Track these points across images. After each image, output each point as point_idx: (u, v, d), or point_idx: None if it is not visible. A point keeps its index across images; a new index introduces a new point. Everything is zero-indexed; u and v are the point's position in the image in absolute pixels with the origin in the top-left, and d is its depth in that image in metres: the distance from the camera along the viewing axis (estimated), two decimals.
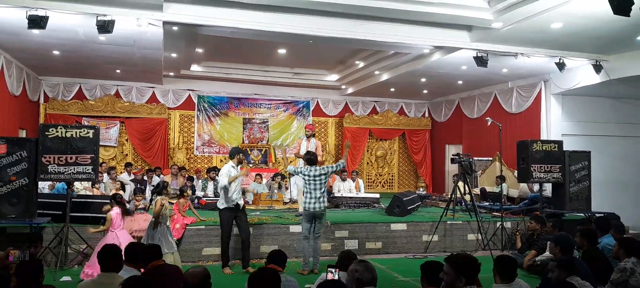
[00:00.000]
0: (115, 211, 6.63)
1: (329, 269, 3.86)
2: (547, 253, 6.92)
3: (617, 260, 5.05)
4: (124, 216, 6.73)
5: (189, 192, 8.73)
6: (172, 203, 6.88)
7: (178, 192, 8.38)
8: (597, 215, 9.28)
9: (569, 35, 8.36)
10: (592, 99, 11.59)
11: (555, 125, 11.37)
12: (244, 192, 10.48)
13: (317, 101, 15.47)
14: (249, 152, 14.24)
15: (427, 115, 16.53)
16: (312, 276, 6.60)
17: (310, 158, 7.08)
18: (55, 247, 7.03)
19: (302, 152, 8.95)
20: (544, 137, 11.21)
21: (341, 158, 7.35)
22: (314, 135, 9.51)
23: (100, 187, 9.44)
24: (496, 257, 3.97)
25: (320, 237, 7.16)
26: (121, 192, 9.18)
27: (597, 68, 9.60)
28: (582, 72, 10.29)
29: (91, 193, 8.87)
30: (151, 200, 6.44)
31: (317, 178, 6.92)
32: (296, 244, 8.14)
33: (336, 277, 3.76)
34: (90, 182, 8.74)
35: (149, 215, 7.48)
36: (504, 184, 10.48)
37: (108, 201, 7.14)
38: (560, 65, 9.55)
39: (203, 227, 7.85)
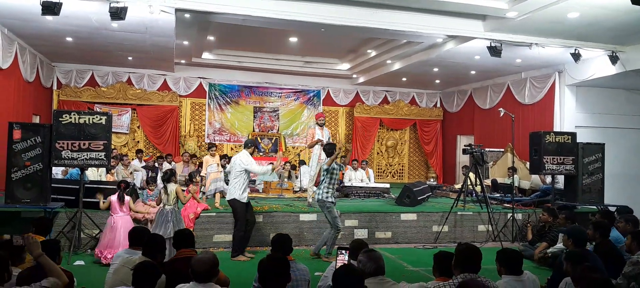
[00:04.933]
0: (114, 197, 6.81)
1: (340, 251, 3.85)
2: (558, 245, 6.88)
3: (630, 254, 5.00)
4: (121, 203, 6.82)
5: (198, 178, 8.80)
6: (184, 190, 6.92)
7: (187, 177, 8.44)
8: (610, 207, 9.20)
9: (586, 25, 8.21)
10: (607, 90, 11.42)
11: (569, 116, 11.22)
12: (253, 182, 10.55)
13: (328, 90, 15.42)
14: (260, 141, 14.27)
15: (438, 105, 16.41)
16: (321, 263, 6.66)
17: (331, 151, 7.17)
18: (69, 232, 7.14)
19: (318, 136, 9.10)
20: (557, 128, 11.07)
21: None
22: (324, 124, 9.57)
23: (114, 173, 9.54)
24: (499, 249, 3.95)
25: None
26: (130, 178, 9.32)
27: (613, 59, 9.44)
28: (597, 63, 10.13)
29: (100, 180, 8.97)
30: (165, 188, 6.48)
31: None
32: (306, 232, 8.20)
33: (346, 259, 3.76)
34: (104, 169, 8.81)
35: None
36: (515, 176, 10.40)
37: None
38: (576, 56, 9.40)
39: (214, 213, 7.92)
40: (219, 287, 3.26)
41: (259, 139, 14.25)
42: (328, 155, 7.16)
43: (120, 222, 6.72)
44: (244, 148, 7.21)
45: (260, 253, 7.09)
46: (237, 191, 6.91)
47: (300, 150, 14.47)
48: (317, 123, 9.43)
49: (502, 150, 12.25)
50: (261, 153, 13.83)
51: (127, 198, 6.93)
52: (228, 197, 7.04)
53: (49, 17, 7.80)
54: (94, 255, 6.75)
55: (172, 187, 6.54)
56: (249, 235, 7.20)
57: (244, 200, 6.97)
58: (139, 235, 4.25)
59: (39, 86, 11.75)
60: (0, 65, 9.09)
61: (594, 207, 9.05)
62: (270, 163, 7.81)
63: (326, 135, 9.22)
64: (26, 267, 3.71)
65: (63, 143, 6.93)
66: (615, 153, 10.68)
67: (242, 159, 6.98)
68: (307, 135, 9.72)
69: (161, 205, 6.51)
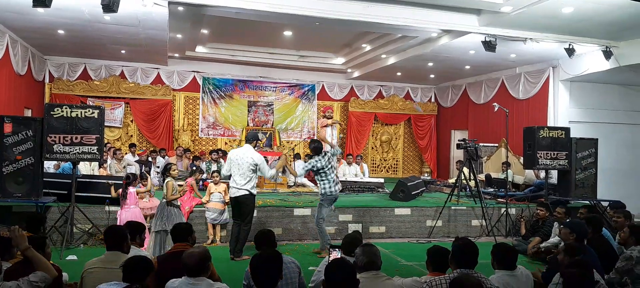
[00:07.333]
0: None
1: (331, 249, 3.85)
2: (552, 240, 6.91)
3: (623, 247, 5.03)
4: (123, 198, 6.96)
5: (199, 174, 8.85)
6: (181, 185, 6.86)
7: (192, 169, 8.44)
8: (603, 202, 9.25)
9: (580, 20, 8.22)
10: (600, 85, 11.45)
11: (562, 111, 11.26)
12: None
13: (323, 84, 15.37)
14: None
15: (433, 100, 16.41)
16: (315, 258, 6.65)
17: (317, 147, 7.12)
18: (61, 227, 7.08)
19: (328, 136, 9.18)
20: (551, 123, 11.10)
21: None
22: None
23: (107, 167, 9.49)
24: (494, 244, 3.96)
25: None
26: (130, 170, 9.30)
27: (607, 54, 9.46)
28: (591, 58, 10.16)
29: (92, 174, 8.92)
30: (164, 181, 6.51)
31: (332, 162, 7.07)
32: (300, 227, 8.18)
33: (339, 256, 3.76)
34: (97, 163, 8.76)
35: (156, 198, 7.56)
36: (509, 170, 10.43)
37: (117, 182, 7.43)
38: (570, 51, 9.41)
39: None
40: (210, 282, 3.23)
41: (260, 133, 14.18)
42: (318, 153, 7.06)
43: (124, 215, 6.79)
44: (247, 142, 6.93)
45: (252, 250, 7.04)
46: (253, 187, 6.71)
47: (295, 145, 14.46)
48: (324, 116, 9.56)
49: (496, 145, 12.29)
50: (256, 149, 13.75)
51: (131, 190, 7.00)
52: (240, 193, 6.61)
53: (40, 10, 7.70)
54: None
55: (167, 180, 6.55)
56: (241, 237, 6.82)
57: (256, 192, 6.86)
58: (115, 236, 3.82)
59: (30, 79, 11.63)
60: None
61: (587, 202, 9.10)
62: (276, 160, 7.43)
63: (334, 130, 9.31)
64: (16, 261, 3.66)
65: (55, 137, 6.87)
66: (608, 149, 10.73)
67: (255, 157, 6.69)
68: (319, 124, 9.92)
69: (162, 199, 6.51)
